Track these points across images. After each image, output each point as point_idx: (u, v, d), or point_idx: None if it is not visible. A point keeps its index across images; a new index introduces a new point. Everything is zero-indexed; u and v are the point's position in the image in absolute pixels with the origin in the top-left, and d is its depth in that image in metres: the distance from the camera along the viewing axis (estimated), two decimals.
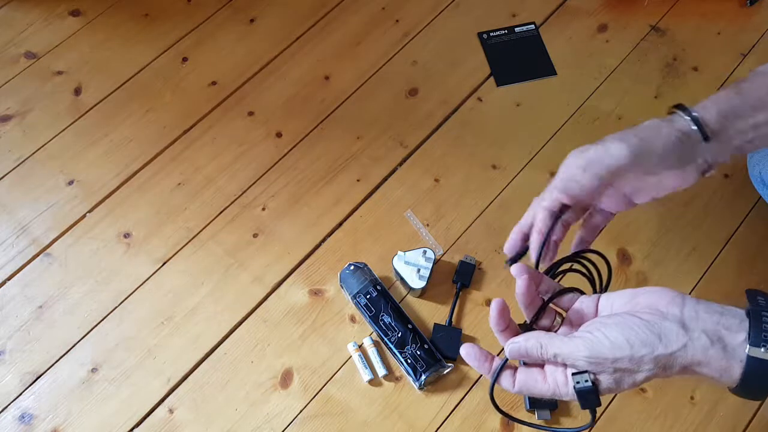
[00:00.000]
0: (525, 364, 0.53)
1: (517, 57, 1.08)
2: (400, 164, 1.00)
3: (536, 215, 0.61)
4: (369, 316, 0.84)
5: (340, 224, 0.95)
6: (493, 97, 1.05)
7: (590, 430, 0.62)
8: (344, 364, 0.85)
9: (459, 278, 0.89)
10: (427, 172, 0.98)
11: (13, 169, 1.00)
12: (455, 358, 0.84)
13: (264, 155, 1.00)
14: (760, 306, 0.47)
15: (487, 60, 1.08)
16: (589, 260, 0.61)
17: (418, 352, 0.82)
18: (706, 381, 0.48)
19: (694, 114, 0.56)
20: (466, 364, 0.84)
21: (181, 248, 0.93)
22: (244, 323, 0.88)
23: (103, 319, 0.88)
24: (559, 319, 0.55)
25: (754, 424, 0.80)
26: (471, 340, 0.86)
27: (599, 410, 0.81)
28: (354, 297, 0.86)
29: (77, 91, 1.06)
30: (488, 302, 0.88)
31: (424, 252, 0.88)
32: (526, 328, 0.54)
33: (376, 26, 1.12)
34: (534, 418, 0.80)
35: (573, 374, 0.49)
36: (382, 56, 1.09)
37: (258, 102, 1.05)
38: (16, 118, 1.04)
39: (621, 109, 1.03)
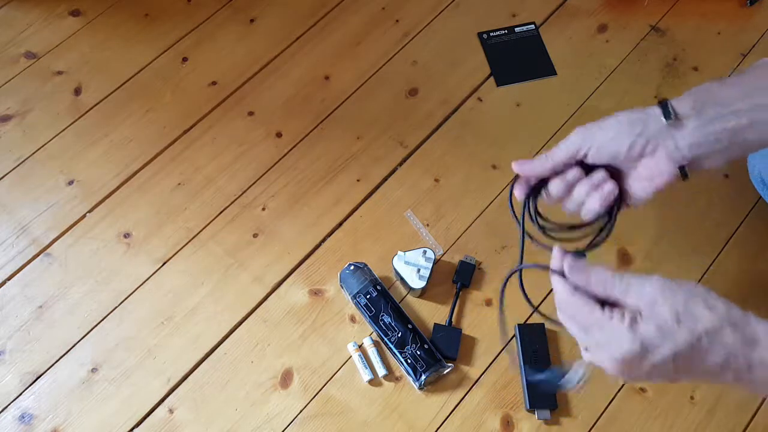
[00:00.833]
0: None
1: (517, 57, 1.08)
2: (400, 164, 1.00)
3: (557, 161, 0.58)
4: (369, 316, 0.84)
5: (340, 224, 0.95)
6: (493, 97, 1.05)
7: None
8: (344, 364, 0.85)
9: (459, 278, 0.89)
10: (427, 172, 0.98)
11: (13, 169, 1.00)
12: (455, 358, 0.84)
13: (264, 155, 1.00)
14: None
15: (487, 60, 1.08)
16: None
17: (418, 352, 0.82)
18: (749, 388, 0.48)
19: (665, 99, 0.56)
20: (466, 364, 0.84)
21: (181, 248, 0.93)
22: (244, 323, 0.88)
23: (103, 319, 0.88)
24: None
25: (754, 425, 0.80)
26: (471, 340, 0.86)
27: (599, 410, 0.81)
28: (354, 297, 0.86)
29: (77, 91, 1.06)
30: (488, 302, 0.88)
31: (424, 252, 0.88)
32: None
33: (376, 26, 1.12)
34: (534, 418, 0.80)
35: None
36: (382, 56, 1.09)
37: (258, 102, 1.05)
38: (16, 118, 1.04)
39: (621, 109, 1.01)
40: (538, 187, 0.60)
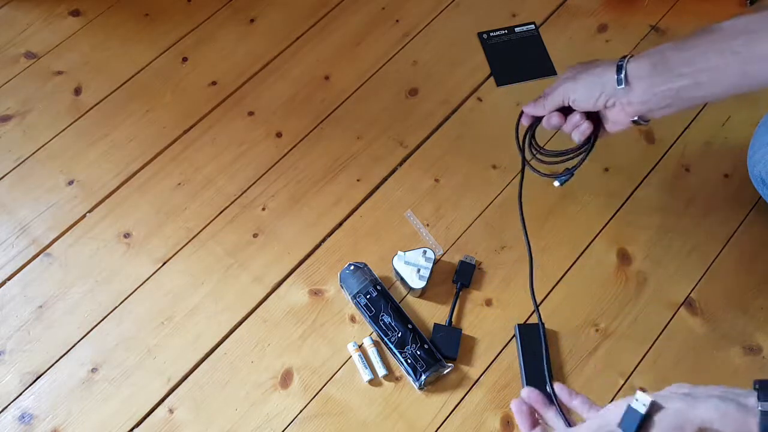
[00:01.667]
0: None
1: (517, 57, 1.08)
2: (400, 164, 1.00)
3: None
4: (369, 316, 0.84)
5: (340, 224, 0.95)
6: (493, 97, 1.05)
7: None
8: (344, 364, 0.85)
9: (459, 278, 0.89)
10: (427, 172, 0.98)
11: (13, 169, 1.00)
12: (455, 358, 0.84)
13: (264, 155, 1.00)
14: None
15: (487, 60, 1.08)
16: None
17: (418, 352, 0.82)
18: None
19: (624, 60, 0.66)
20: (466, 364, 0.84)
21: (181, 248, 0.93)
22: (244, 323, 0.88)
23: (103, 319, 0.88)
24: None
25: None
26: (471, 340, 0.86)
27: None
28: (354, 297, 0.86)
29: (77, 91, 1.06)
30: (488, 302, 0.88)
31: (424, 252, 0.88)
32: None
33: (376, 26, 1.12)
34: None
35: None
36: (382, 56, 1.09)
37: (258, 102, 1.05)
38: (16, 118, 1.04)
39: None
40: (536, 122, 0.79)
